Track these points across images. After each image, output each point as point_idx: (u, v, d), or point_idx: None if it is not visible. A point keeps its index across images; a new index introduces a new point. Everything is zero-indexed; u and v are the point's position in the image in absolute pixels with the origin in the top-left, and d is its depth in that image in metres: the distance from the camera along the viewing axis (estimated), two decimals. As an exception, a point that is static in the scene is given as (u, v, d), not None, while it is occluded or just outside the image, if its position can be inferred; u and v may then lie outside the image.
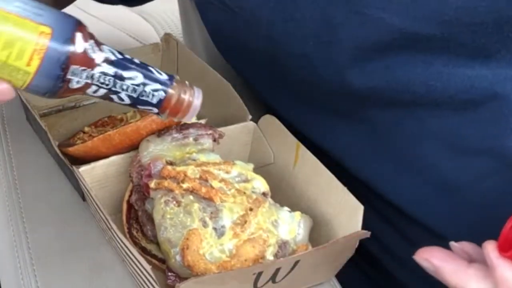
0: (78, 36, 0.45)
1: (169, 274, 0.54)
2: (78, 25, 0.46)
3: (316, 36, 0.58)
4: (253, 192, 0.56)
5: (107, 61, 0.47)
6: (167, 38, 0.77)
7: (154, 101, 0.48)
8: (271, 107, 0.71)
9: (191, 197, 0.54)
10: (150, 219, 0.56)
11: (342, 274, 0.58)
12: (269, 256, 0.53)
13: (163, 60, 0.77)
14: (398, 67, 0.57)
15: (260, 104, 0.75)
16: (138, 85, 0.47)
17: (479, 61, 0.56)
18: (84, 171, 0.59)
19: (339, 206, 0.57)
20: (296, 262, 0.52)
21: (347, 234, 0.54)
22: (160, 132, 0.60)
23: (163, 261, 0.56)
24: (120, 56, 0.47)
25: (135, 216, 0.59)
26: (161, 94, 0.48)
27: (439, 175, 0.62)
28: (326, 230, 0.58)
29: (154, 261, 0.57)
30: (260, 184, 0.57)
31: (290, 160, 0.63)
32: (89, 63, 0.46)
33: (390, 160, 0.63)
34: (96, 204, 0.55)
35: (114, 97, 0.48)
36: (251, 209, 0.54)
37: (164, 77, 0.48)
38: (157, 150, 0.59)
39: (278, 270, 0.52)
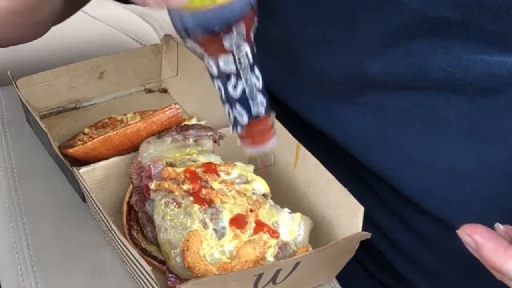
0: (257, 8, 0.46)
1: (170, 275, 0.54)
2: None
3: (336, 21, 0.58)
4: (253, 193, 0.56)
5: (253, 47, 0.47)
6: (167, 39, 0.77)
7: (254, 111, 0.47)
8: (279, 98, 0.71)
9: (191, 198, 0.54)
10: (151, 220, 0.56)
11: (345, 274, 0.58)
12: (270, 258, 0.53)
13: (164, 62, 0.77)
14: (418, 53, 0.57)
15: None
16: (256, 87, 0.47)
17: (499, 47, 0.56)
18: (84, 172, 0.59)
19: (339, 208, 0.57)
20: (297, 264, 0.52)
21: (348, 236, 0.54)
22: (160, 133, 0.60)
23: (163, 262, 0.56)
24: (256, 54, 0.47)
25: (136, 217, 0.59)
26: (261, 111, 0.48)
27: (452, 164, 0.62)
28: (326, 231, 0.58)
29: (154, 262, 0.57)
30: (260, 186, 0.57)
31: (291, 161, 0.63)
32: (248, 35, 0.46)
33: (402, 149, 0.63)
34: (97, 206, 0.55)
35: (232, 81, 0.47)
36: (251, 211, 0.54)
37: (269, 102, 0.48)
38: (157, 152, 0.59)
39: (278, 271, 0.52)
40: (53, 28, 0.72)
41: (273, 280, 0.52)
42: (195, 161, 0.58)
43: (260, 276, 0.51)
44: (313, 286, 0.58)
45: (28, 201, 0.63)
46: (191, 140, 0.60)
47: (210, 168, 0.57)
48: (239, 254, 0.52)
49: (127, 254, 0.53)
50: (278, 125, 0.64)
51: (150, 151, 0.59)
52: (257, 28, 0.66)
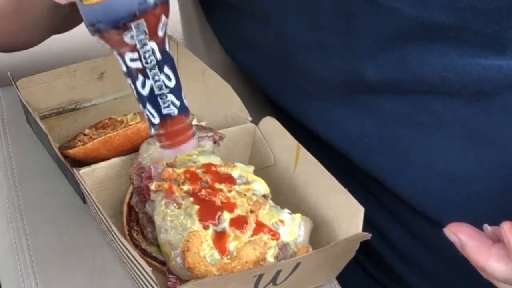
0: (165, 5, 0.45)
1: (170, 276, 0.54)
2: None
3: (331, 27, 0.58)
4: (253, 194, 0.56)
5: (162, 45, 0.45)
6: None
7: (165, 111, 0.47)
8: (276, 102, 0.71)
9: (191, 199, 0.54)
10: (151, 221, 0.56)
11: (345, 274, 0.58)
12: (270, 258, 0.53)
13: (164, 62, 0.77)
14: (413, 58, 0.57)
15: (260, 105, 0.75)
16: (167, 87, 0.46)
17: (493, 51, 0.56)
18: (84, 173, 0.59)
19: (339, 208, 0.57)
20: (297, 265, 0.52)
21: (348, 236, 0.54)
22: (161, 134, 0.60)
23: (163, 263, 0.56)
24: (171, 54, 0.46)
25: (136, 218, 0.59)
26: (174, 111, 0.47)
27: (449, 167, 0.62)
28: (326, 232, 0.58)
29: (154, 263, 0.57)
30: (261, 186, 0.57)
31: (291, 162, 0.63)
32: (153, 31, 0.45)
33: (399, 152, 0.63)
34: (97, 206, 0.55)
35: (139, 78, 0.46)
36: (251, 211, 0.54)
37: (185, 102, 0.47)
38: (157, 152, 0.59)
39: (278, 272, 0.52)
40: (53, 28, 0.72)
41: (274, 280, 0.52)
42: (195, 162, 0.58)
43: (260, 276, 0.51)
44: (314, 287, 0.58)
45: (28, 201, 0.63)
46: (191, 141, 0.60)
47: (210, 169, 0.57)
48: (239, 254, 0.52)
49: (127, 255, 0.53)
50: (278, 126, 0.64)
51: (151, 152, 0.59)
52: (252, 32, 0.67)
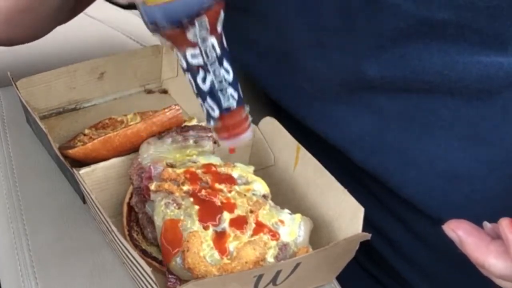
0: (223, 0, 0.46)
1: (170, 276, 0.54)
2: None
3: (332, 26, 0.58)
4: (253, 194, 0.56)
5: (221, 39, 0.47)
6: (168, 40, 0.77)
7: (225, 105, 0.48)
8: (276, 101, 0.71)
9: (191, 199, 0.54)
10: (151, 221, 0.56)
11: (345, 274, 0.58)
12: (270, 259, 0.53)
13: (164, 62, 0.77)
14: (414, 56, 0.57)
15: (260, 105, 0.75)
16: (226, 80, 0.47)
17: (494, 48, 0.56)
18: (84, 173, 0.59)
19: (339, 208, 0.57)
20: (297, 265, 0.52)
21: (348, 236, 0.54)
22: (161, 134, 0.60)
23: (163, 263, 0.56)
24: (227, 48, 0.48)
25: (136, 218, 0.59)
26: (233, 104, 0.48)
27: (449, 166, 0.62)
28: (326, 232, 0.58)
29: (154, 263, 0.57)
30: (261, 186, 0.57)
31: (291, 162, 0.63)
32: (213, 27, 0.46)
33: (399, 151, 0.63)
34: (97, 207, 0.55)
35: (200, 74, 0.47)
36: (251, 211, 0.54)
37: (241, 95, 0.49)
38: (157, 153, 0.59)
39: (278, 272, 0.52)
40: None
41: (273, 281, 0.52)
42: (195, 162, 0.58)
43: (260, 277, 0.51)
44: (314, 287, 0.57)
45: (28, 201, 0.63)
46: (191, 141, 0.60)
47: (210, 169, 0.57)
48: (239, 255, 0.52)
49: (127, 255, 0.53)
50: (278, 126, 0.64)
51: (151, 152, 0.59)
52: (252, 32, 0.66)
